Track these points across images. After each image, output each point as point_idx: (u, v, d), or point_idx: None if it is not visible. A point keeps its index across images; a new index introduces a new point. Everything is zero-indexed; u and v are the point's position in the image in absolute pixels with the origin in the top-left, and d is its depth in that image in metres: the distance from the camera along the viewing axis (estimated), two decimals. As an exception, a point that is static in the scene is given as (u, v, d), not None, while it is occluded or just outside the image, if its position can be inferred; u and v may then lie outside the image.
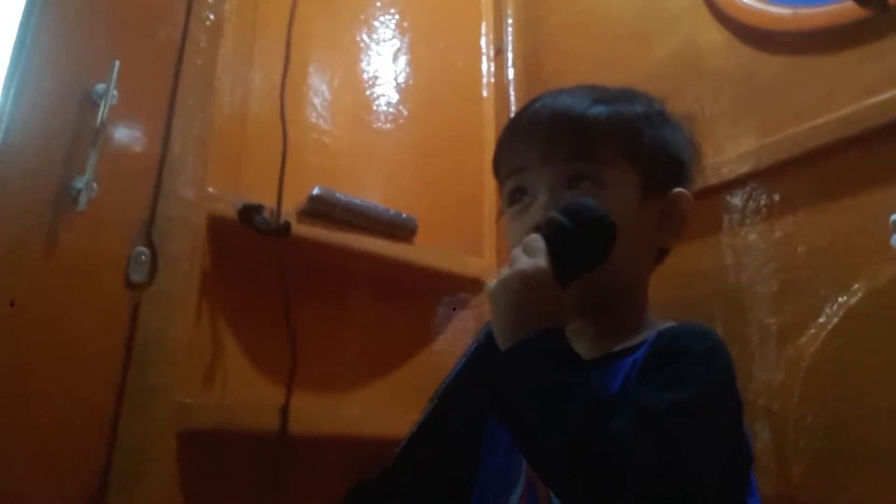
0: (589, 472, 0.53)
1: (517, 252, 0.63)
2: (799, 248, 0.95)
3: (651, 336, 0.68)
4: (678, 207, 0.77)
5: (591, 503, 0.54)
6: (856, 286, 0.88)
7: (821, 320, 0.89)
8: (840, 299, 0.88)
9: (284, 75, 1.20)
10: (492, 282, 0.63)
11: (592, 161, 0.73)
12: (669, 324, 0.72)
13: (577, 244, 0.65)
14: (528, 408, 0.56)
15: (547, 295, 0.61)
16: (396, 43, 1.40)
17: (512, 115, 1.43)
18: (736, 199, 1.02)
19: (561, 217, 0.65)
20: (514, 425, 0.59)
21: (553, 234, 0.64)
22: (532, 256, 0.62)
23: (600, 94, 0.77)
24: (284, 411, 0.99)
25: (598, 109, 0.75)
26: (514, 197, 0.76)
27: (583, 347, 0.71)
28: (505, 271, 0.62)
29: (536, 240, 0.63)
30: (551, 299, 0.62)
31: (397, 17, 1.41)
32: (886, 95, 0.89)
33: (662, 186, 0.76)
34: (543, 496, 0.65)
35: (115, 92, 0.93)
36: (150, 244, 0.94)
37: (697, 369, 0.62)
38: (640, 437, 0.53)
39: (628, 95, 0.80)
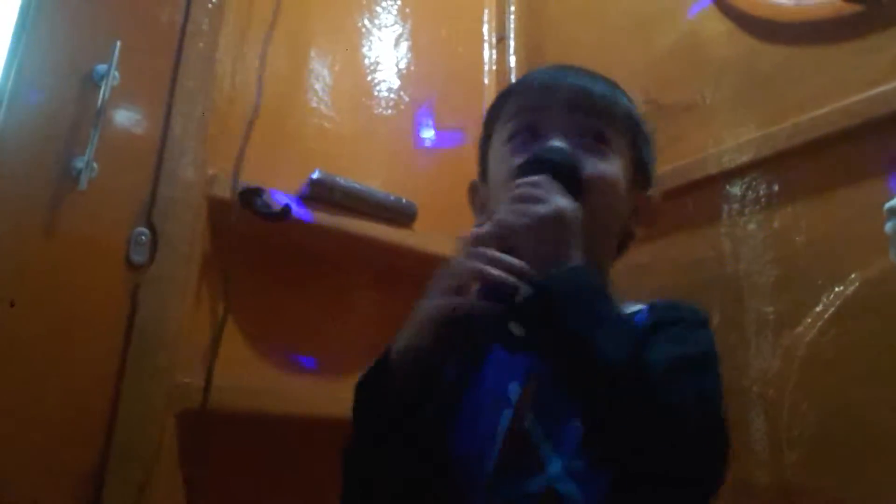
0: (634, 397, 0.54)
1: (542, 189, 0.62)
2: (797, 238, 0.95)
3: (642, 309, 0.70)
4: (648, 207, 0.79)
5: (633, 432, 0.55)
6: (853, 276, 0.88)
7: (817, 309, 0.90)
8: (836, 289, 0.89)
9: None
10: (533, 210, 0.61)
11: (606, 123, 0.74)
12: (654, 300, 0.73)
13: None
14: (590, 332, 0.56)
15: (579, 236, 0.62)
16: (398, 29, 1.40)
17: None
18: (735, 189, 1.02)
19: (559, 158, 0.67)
20: (573, 348, 0.57)
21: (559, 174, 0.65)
22: (551, 194, 0.62)
23: (612, 83, 0.80)
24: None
25: (615, 93, 0.78)
26: (519, 134, 0.74)
27: None
28: (546, 206, 0.61)
29: (548, 181, 0.63)
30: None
31: (399, 2, 1.41)
32: (886, 87, 0.89)
33: (643, 183, 0.78)
34: (534, 462, 0.64)
35: (116, 73, 0.93)
36: (150, 225, 0.94)
37: (696, 333, 0.65)
38: (672, 375, 0.56)
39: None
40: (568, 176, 0.66)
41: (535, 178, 0.63)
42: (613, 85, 0.80)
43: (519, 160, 0.70)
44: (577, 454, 0.62)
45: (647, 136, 0.80)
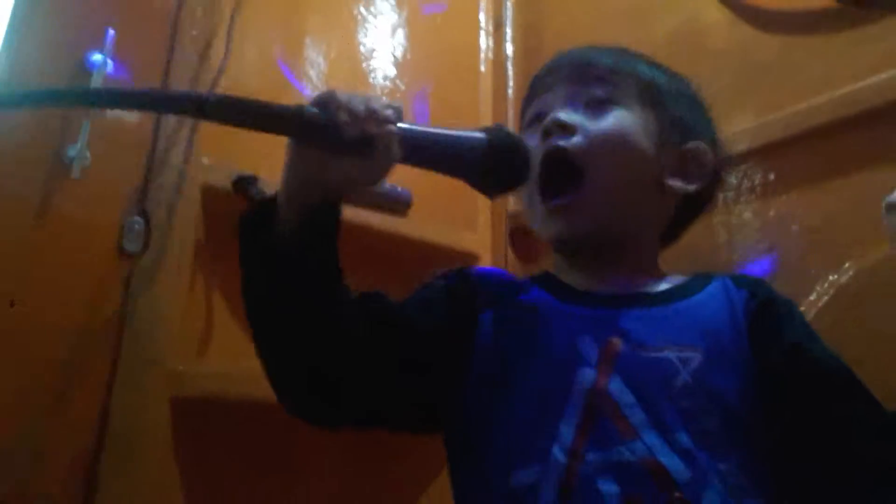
0: None
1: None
2: (792, 227, 0.95)
3: (713, 281, 0.72)
4: (696, 158, 0.76)
5: None
6: (847, 265, 0.88)
7: (811, 298, 0.90)
8: (831, 278, 0.89)
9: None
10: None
11: (612, 88, 0.75)
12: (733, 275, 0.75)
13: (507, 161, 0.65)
14: None
15: None
16: (394, 16, 1.39)
17: (510, 90, 1.44)
18: (731, 178, 1.02)
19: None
20: None
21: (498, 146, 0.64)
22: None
23: (636, 54, 0.82)
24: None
25: (628, 56, 0.80)
26: (533, 118, 0.78)
27: (596, 283, 0.72)
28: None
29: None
30: None
31: (395, -11, 1.40)
32: (884, 76, 0.89)
33: (685, 136, 0.77)
34: (625, 429, 0.59)
35: (109, 61, 0.92)
36: (143, 213, 0.93)
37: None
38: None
39: (670, 71, 0.83)
40: (511, 150, 0.65)
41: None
42: (623, 53, 0.81)
43: (531, 141, 0.73)
44: (681, 429, 0.59)
45: (676, 92, 0.79)
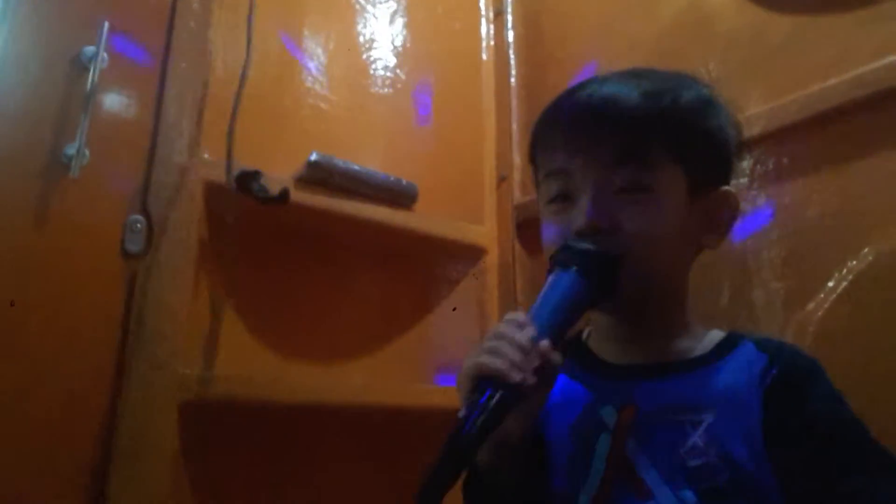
0: None
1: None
2: (808, 213, 0.93)
3: (748, 345, 0.71)
4: (725, 207, 0.74)
5: None
6: (865, 250, 0.86)
7: (830, 284, 0.88)
8: (849, 263, 0.87)
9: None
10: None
11: (640, 165, 0.69)
12: (765, 342, 0.72)
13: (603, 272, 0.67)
14: None
15: None
16: (393, 5, 1.36)
17: (512, 78, 1.42)
18: (744, 163, 1.00)
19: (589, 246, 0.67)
20: None
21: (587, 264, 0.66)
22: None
23: (649, 85, 0.72)
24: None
25: (648, 104, 0.70)
26: (555, 197, 0.73)
27: (629, 352, 0.74)
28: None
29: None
30: None
31: (394, -23, 1.37)
32: (898, 56, 0.87)
33: (709, 185, 0.73)
34: (640, 489, 0.64)
35: (105, 55, 0.90)
36: (145, 212, 0.91)
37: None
38: None
39: (678, 83, 0.74)
40: (601, 264, 0.66)
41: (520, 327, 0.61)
42: (645, 90, 0.71)
43: (558, 224, 0.72)
44: (687, 485, 0.63)
45: (706, 127, 0.73)
